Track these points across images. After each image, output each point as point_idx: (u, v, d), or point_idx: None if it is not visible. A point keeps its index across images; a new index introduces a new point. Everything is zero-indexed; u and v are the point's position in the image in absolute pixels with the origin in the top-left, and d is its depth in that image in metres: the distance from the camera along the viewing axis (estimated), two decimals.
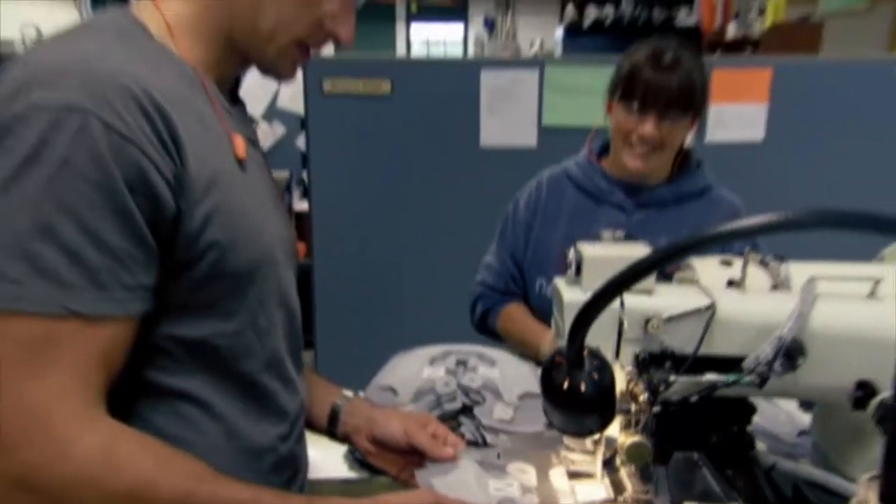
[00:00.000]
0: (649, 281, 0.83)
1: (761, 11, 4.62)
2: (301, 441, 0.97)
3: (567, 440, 1.01)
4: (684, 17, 4.77)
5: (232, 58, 0.84)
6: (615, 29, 5.13)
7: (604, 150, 1.58)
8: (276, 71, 0.87)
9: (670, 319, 0.81)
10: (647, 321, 0.81)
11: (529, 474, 0.97)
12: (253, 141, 0.91)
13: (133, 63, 0.70)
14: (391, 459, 1.05)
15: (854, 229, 0.59)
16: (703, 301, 0.82)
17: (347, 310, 2.91)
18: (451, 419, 1.25)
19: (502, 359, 1.38)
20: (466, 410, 1.24)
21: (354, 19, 0.86)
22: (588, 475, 0.94)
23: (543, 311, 1.52)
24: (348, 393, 1.11)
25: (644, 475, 0.91)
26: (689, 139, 1.58)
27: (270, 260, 0.85)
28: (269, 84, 5.37)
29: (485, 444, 1.17)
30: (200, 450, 0.77)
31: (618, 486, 0.90)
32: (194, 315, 0.77)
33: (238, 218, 0.78)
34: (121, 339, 0.70)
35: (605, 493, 0.90)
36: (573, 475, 0.95)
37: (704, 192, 1.52)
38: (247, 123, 0.93)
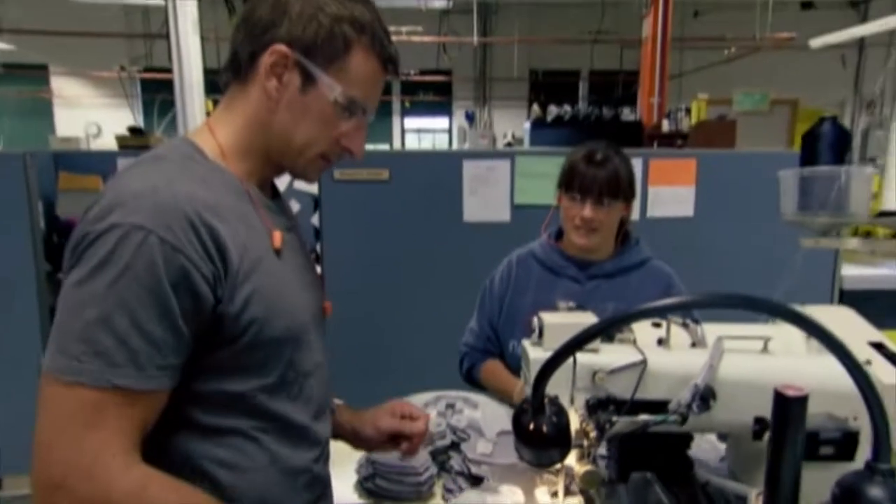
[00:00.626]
0: (596, 342, 0.91)
1: (687, 111, 4.87)
2: (328, 462, 1.02)
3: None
4: (628, 114, 5.00)
5: (270, 167, 0.92)
6: (573, 123, 5.32)
7: (560, 234, 1.67)
8: (305, 177, 0.94)
9: (612, 372, 0.89)
10: (595, 374, 0.89)
11: (518, 495, 1.02)
12: (290, 227, 0.97)
13: (191, 186, 0.78)
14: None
15: (736, 308, 0.68)
16: (637, 357, 0.90)
17: (354, 359, 2.94)
18: (441, 453, 1.30)
19: (483, 402, 1.44)
20: (455, 446, 1.29)
21: (365, 137, 0.92)
22: (568, 493, 0.99)
23: (515, 366, 1.57)
24: (338, 400, 1.16)
25: (608, 493, 0.97)
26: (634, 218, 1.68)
27: (301, 326, 0.90)
28: None
29: (470, 474, 1.23)
30: (251, 472, 0.84)
31: (590, 501, 0.95)
32: (241, 374, 0.83)
33: (274, 296, 0.84)
34: (151, 407, 0.76)
35: None
36: (555, 494, 1.00)
37: (643, 263, 1.60)
38: (286, 214, 0.99)
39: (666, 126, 5.00)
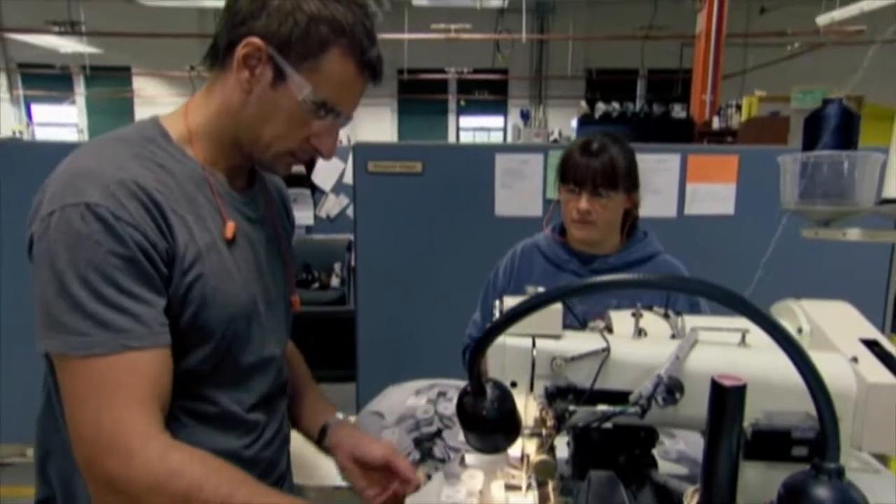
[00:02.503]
0: (557, 327, 0.86)
1: (738, 108, 4.63)
2: (271, 448, 1.00)
3: (510, 458, 1.03)
4: (679, 112, 4.81)
5: (241, 156, 0.92)
6: (621, 120, 5.18)
7: (564, 228, 1.61)
8: (272, 170, 0.95)
9: (572, 359, 0.84)
10: (553, 360, 0.84)
11: (477, 479, 0.99)
12: (256, 219, 0.96)
13: (140, 170, 0.80)
14: (364, 476, 1.07)
15: (686, 293, 0.62)
16: (599, 345, 0.85)
17: (384, 349, 2.96)
18: (427, 440, 1.27)
19: None
20: (439, 433, 1.27)
21: (336, 138, 0.92)
22: (519, 488, 0.95)
23: None
24: (340, 415, 1.14)
25: (564, 489, 0.92)
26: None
27: (243, 318, 0.90)
28: (337, 164, 5.60)
29: (451, 460, 1.20)
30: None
31: (543, 498, 0.91)
32: (178, 352, 0.83)
33: (215, 287, 0.84)
34: (164, 365, 0.79)
35: (532, 501, 0.91)
36: (509, 487, 0.97)
37: (651, 257, 1.52)
38: (254, 205, 0.97)
39: (717, 124, 4.78)
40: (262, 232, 0.98)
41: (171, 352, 0.80)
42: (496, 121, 12.36)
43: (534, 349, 0.85)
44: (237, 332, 0.89)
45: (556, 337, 0.86)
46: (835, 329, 0.87)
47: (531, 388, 0.86)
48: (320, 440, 1.10)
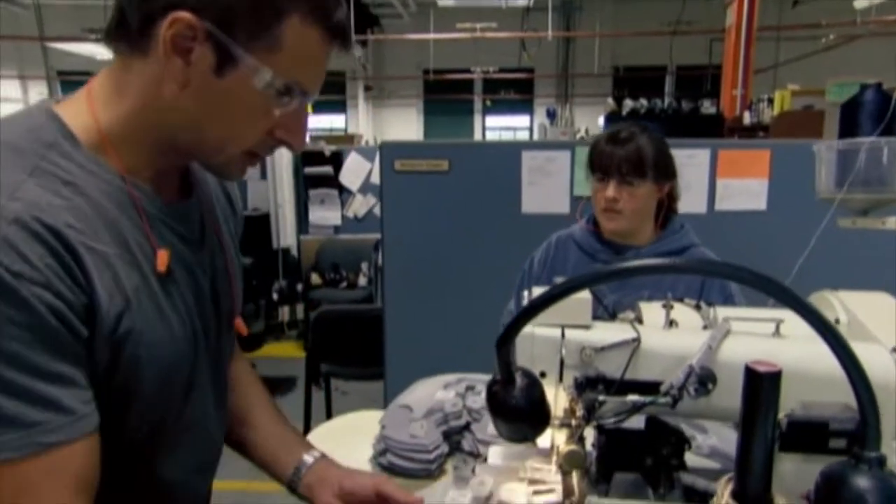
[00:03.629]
0: (587, 317, 0.86)
1: (770, 102, 4.53)
2: None
3: (536, 451, 1.02)
4: (708, 107, 4.73)
5: (171, 160, 0.73)
6: (648, 116, 5.11)
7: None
8: (225, 175, 0.77)
9: (602, 349, 0.83)
10: (582, 350, 0.83)
11: (486, 486, 0.97)
12: (194, 238, 0.78)
13: (46, 195, 0.60)
14: None
15: (720, 277, 0.61)
16: (630, 335, 0.84)
17: (411, 346, 2.97)
18: (456, 433, 1.28)
19: None
20: (467, 426, 1.27)
21: (306, 124, 0.73)
22: (543, 481, 0.95)
23: None
24: (316, 452, 0.96)
25: (591, 480, 0.92)
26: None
27: (188, 362, 0.75)
28: (365, 164, 5.64)
29: (479, 454, 1.20)
30: None
31: (568, 490, 0.90)
32: (106, 419, 0.66)
33: (151, 337, 0.68)
34: (92, 451, 0.63)
35: (557, 494, 0.90)
36: (532, 481, 0.96)
37: (685, 249, 1.50)
38: (192, 219, 0.78)
39: (748, 119, 4.69)
40: (204, 250, 0.80)
41: (98, 432, 0.63)
42: (522, 120, 12.32)
43: (563, 339, 0.84)
44: (176, 383, 0.74)
45: (586, 327, 0.86)
46: (874, 319, 0.84)
47: (560, 378, 0.86)
48: (292, 481, 0.92)
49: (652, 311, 0.97)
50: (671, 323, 0.94)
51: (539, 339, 0.84)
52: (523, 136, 12.09)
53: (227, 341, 0.87)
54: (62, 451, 0.59)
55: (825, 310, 0.93)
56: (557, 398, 0.85)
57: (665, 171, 1.45)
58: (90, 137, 0.67)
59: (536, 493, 0.91)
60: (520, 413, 0.75)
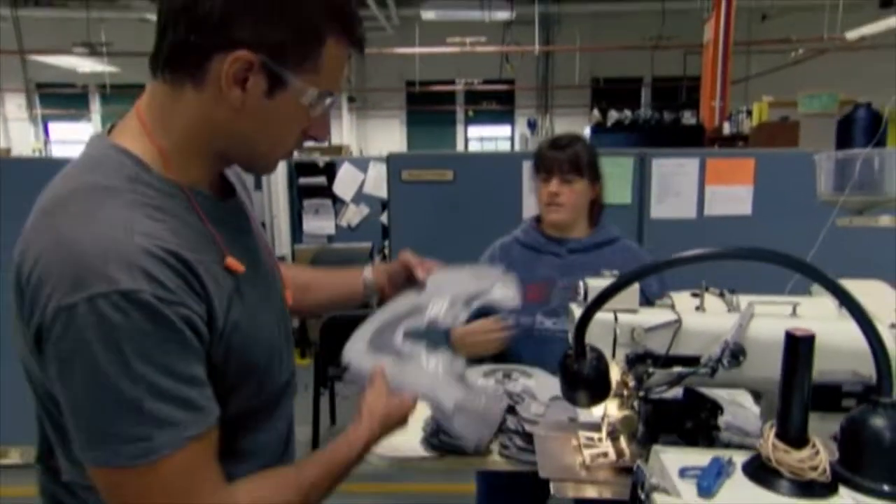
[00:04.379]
0: (634, 303, 1.01)
1: (749, 113, 4.79)
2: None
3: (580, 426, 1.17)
4: (689, 118, 4.96)
5: (223, 165, 0.83)
6: (633, 127, 5.33)
7: (539, 219, 1.80)
8: (263, 171, 0.83)
9: (649, 329, 0.98)
10: (633, 330, 0.98)
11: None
12: (247, 226, 0.87)
13: (151, 224, 0.68)
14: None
15: (761, 261, 0.77)
16: (672, 317, 0.99)
17: None
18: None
19: (537, 373, 1.54)
20: (510, 409, 1.40)
21: (329, 119, 0.82)
22: (596, 445, 1.09)
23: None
24: (367, 269, 1.20)
25: (636, 442, 1.06)
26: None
27: (280, 333, 0.86)
28: (358, 175, 5.76)
29: (524, 431, 1.33)
30: None
31: (619, 452, 1.05)
32: (225, 399, 0.76)
33: (249, 325, 0.77)
34: (217, 435, 0.73)
35: (611, 457, 1.05)
36: (586, 445, 1.10)
37: (614, 240, 1.74)
38: (238, 212, 0.87)
39: (728, 129, 4.94)
40: (253, 234, 0.89)
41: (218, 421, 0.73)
42: (503, 130, 12.55)
43: (616, 321, 0.99)
44: (276, 355, 0.85)
45: (634, 311, 1.00)
46: (873, 302, 1.00)
47: (613, 355, 1.00)
48: (367, 295, 1.17)
49: (681, 299, 1.13)
50: (697, 308, 1.09)
51: (595, 322, 0.98)
52: (505, 145, 12.32)
53: (283, 302, 0.95)
54: (204, 440, 0.70)
55: (828, 296, 1.09)
56: (611, 372, 1.00)
57: (596, 173, 1.70)
58: (156, 162, 0.74)
59: (592, 457, 1.05)
60: (588, 381, 0.89)
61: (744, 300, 1.07)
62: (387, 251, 4.41)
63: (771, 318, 0.99)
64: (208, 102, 0.72)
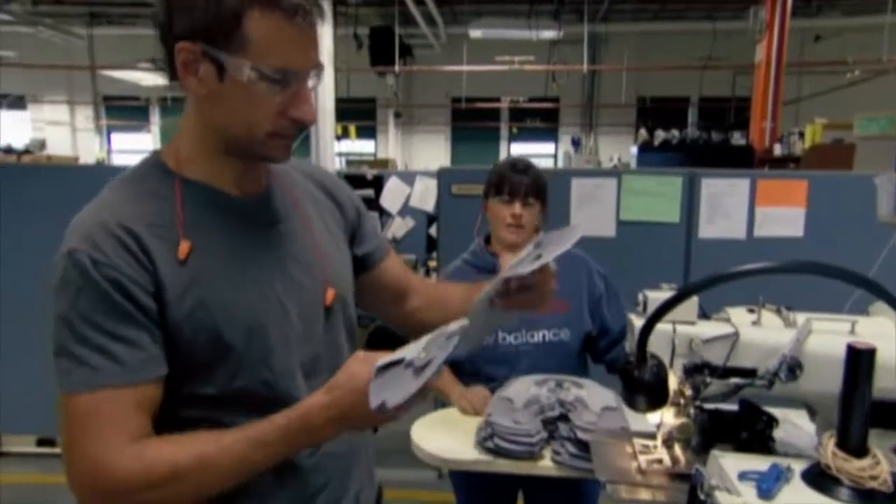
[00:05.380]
0: (693, 316, 1.04)
1: (801, 135, 4.71)
2: (332, 457, 0.95)
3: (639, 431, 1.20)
4: (738, 139, 4.91)
5: (239, 161, 0.88)
6: (680, 147, 5.29)
7: (487, 239, 1.84)
8: (270, 159, 0.88)
9: (707, 341, 1.01)
10: (691, 341, 1.02)
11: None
12: (273, 221, 0.92)
13: (129, 207, 0.81)
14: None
15: (823, 276, 0.80)
16: (730, 330, 1.02)
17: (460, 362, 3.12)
18: (551, 423, 1.45)
19: (588, 384, 1.58)
20: (563, 417, 1.44)
21: (310, 101, 0.84)
22: (651, 451, 1.12)
23: (471, 357, 1.71)
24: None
25: (691, 450, 1.09)
26: None
27: (274, 324, 0.87)
28: (404, 188, 5.87)
29: (577, 439, 1.37)
30: None
31: (674, 459, 1.08)
32: (198, 377, 0.83)
33: (221, 304, 0.82)
34: (144, 398, 0.78)
35: (666, 463, 1.08)
36: (641, 451, 1.13)
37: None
38: (271, 208, 0.93)
39: (778, 151, 4.86)
40: (287, 232, 0.94)
41: (159, 382, 0.80)
42: (547, 147, 12.56)
43: (674, 332, 1.02)
44: (265, 342, 0.86)
45: (692, 322, 1.04)
46: None
47: (671, 364, 1.04)
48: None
49: (736, 314, 1.15)
50: (753, 323, 1.12)
51: (654, 333, 1.02)
52: (548, 163, 12.31)
53: (322, 308, 0.95)
54: (119, 392, 0.77)
55: (886, 316, 1.10)
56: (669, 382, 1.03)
57: (546, 195, 1.75)
58: (176, 162, 0.87)
59: (648, 462, 1.08)
60: (650, 387, 0.93)
61: (801, 317, 1.09)
62: (433, 263, 4.50)
63: (829, 334, 1.01)
64: (191, 100, 0.84)
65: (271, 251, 0.90)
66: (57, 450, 3.36)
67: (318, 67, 0.83)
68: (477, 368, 1.71)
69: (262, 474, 0.82)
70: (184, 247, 0.81)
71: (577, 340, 1.72)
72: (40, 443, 3.40)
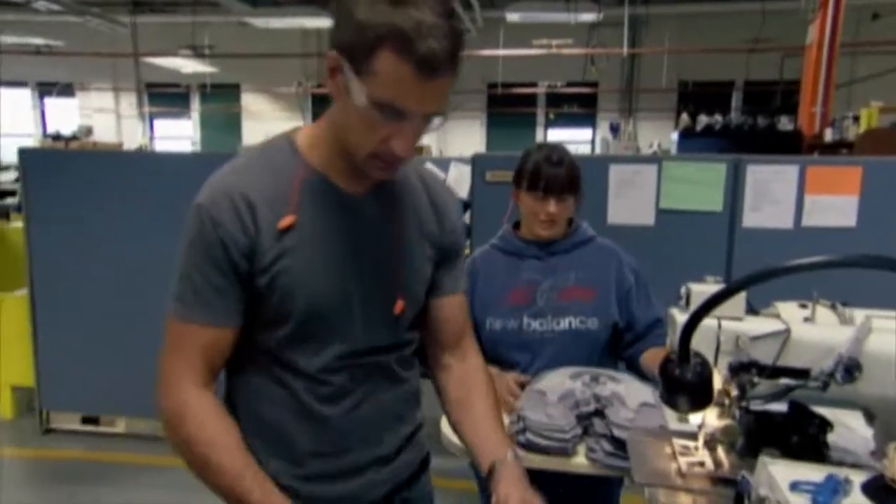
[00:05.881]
0: (740, 311, 0.98)
1: (855, 119, 4.47)
2: (359, 422, 1.03)
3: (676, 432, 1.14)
4: (785, 124, 4.69)
5: (349, 157, 0.94)
6: (724, 133, 5.10)
7: (516, 224, 1.78)
8: (368, 174, 0.95)
9: (755, 338, 0.95)
10: (738, 338, 0.95)
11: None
12: (367, 218, 0.99)
13: (251, 176, 0.94)
14: None
15: (890, 270, 0.73)
16: (781, 327, 0.95)
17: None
18: (585, 419, 1.40)
19: (625, 378, 1.52)
20: (599, 413, 1.39)
21: (411, 140, 0.90)
22: (692, 453, 1.06)
23: (494, 342, 1.67)
24: (510, 454, 1.00)
25: (736, 453, 1.03)
26: None
27: (333, 308, 0.97)
28: (439, 174, 5.83)
29: (612, 436, 1.32)
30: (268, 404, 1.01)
31: (716, 462, 1.02)
32: (266, 327, 0.97)
33: (299, 274, 0.94)
34: (218, 341, 0.95)
35: (708, 466, 1.02)
36: (681, 453, 1.08)
37: (592, 239, 1.73)
38: (370, 207, 1.00)
39: (830, 136, 4.63)
40: (376, 232, 1.01)
41: (233, 331, 0.95)
42: (584, 133, 12.32)
43: (720, 328, 0.96)
44: (323, 317, 0.97)
45: (739, 319, 0.97)
46: None
47: (715, 363, 0.98)
48: (488, 477, 0.99)
49: (787, 309, 1.08)
50: (806, 319, 1.04)
51: (699, 329, 0.96)
52: (585, 150, 12.09)
53: (388, 313, 1.03)
54: (201, 329, 0.93)
55: None
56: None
57: (580, 185, 1.67)
58: (303, 143, 0.99)
59: (689, 465, 1.03)
60: (692, 387, 0.87)
61: (858, 314, 1.01)
62: (467, 251, 4.43)
63: (891, 333, 0.94)
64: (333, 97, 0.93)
65: (356, 250, 0.99)
66: (102, 428, 3.47)
67: (435, 114, 0.89)
68: (499, 354, 1.66)
69: (288, 422, 0.99)
70: (287, 220, 0.93)
71: (604, 331, 1.66)
72: (84, 420, 3.50)
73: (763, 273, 0.76)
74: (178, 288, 0.94)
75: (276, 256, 0.93)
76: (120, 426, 3.48)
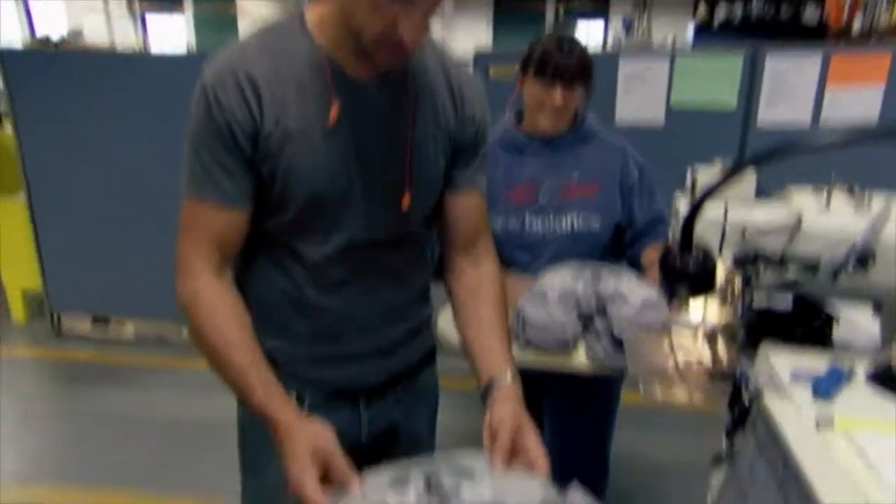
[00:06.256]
0: (749, 193, 0.91)
1: (890, 3, 4.13)
2: (363, 310, 1.04)
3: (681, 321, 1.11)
4: (811, 14, 4.38)
5: (357, 40, 0.88)
6: (743, 27, 4.79)
7: (519, 117, 1.65)
8: (374, 60, 0.89)
9: (763, 228, 0.89)
10: (744, 230, 0.90)
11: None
12: (372, 106, 0.94)
13: (257, 56, 0.90)
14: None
15: None
16: (791, 215, 0.89)
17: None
18: (586, 317, 1.38)
19: (627, 275, 1.48)
20: (601, 311, 1.36)
21: (421, 28, 0.85)
22: (691, 349, 1.04)
23: (495, 242, 1.47)
24: (509, 374, 0.94)
25: (736, 348, 1.00)
26: None
27: (335, 198, 0.95)
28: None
29: (613, 334, 1.30)
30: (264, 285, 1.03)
31: (715, 358, 0.99)
32: (270, 213, 0.96)
33: (302, 161, 0.91)
34: (231, 223, 0.93)
35: (706, 361, 1.00)
36: (680, 348, 1.05)
37: (597, 134, 1.63)
38: (376, 94, 0.94)
39: (858, 24, 4.32)
40: (385, 121, 0.96)
41: (243, 214, 0.94)
42: (595, 27, 11.73)
43: (725, 215, 0.90)
44: (323, 207, 0.95)
45: (748, 203, 0.91)
46: None
47: (719, 253, 0.93)
48: (484, 394, 0.95)
49: (800, 194, 1.02)
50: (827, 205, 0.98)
51: (703, 220, 0.90)
52: (596, 47, 11.57)
53: (393, 204, 0.99)
54: (213, 210, 0.92)
55: None
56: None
57: (591, 76, 1.54)
58: (314, 19, 0.93)
59: (686, 361, 1.01)
60: (693, 279, 0.83)
61: (877, 200, 0.95)
62: None
63: None
64: None
65: (361, 140, 0.95)
66: (111, 334, 3.55)
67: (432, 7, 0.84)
68: (498, 252, 1.62)
69: (285, 307, 1.02)
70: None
71: (606, 231, 1.60)
72: (95, 320, 3.58)
73: (774, 151, 0.69)
74: (190, 166, 0.93)
75: (279, 142, 0.90)
76: (129, 331, 3.56)
